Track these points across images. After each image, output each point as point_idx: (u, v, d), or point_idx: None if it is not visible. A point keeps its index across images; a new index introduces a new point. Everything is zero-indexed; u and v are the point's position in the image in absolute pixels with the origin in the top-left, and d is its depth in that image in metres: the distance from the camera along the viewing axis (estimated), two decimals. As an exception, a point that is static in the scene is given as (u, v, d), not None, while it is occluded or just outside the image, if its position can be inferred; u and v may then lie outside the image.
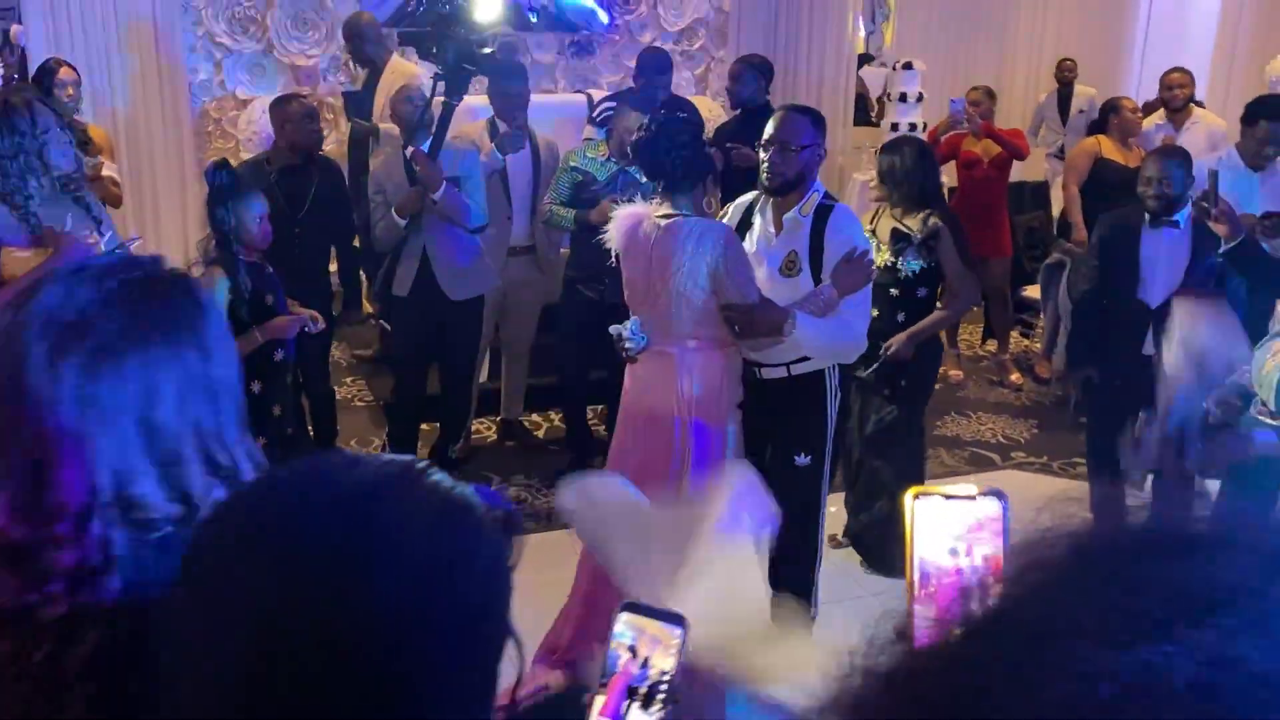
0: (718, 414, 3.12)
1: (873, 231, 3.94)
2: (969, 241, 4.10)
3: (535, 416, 5.61)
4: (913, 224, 3.92)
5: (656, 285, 3.05)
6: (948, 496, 0.91)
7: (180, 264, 3.28)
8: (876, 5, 11.20)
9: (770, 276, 3.19)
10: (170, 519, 1.01)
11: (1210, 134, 6.09)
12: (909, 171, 3.97)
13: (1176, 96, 6.26)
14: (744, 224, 3.33)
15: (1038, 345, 6.55)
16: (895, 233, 3.90)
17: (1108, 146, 6.05)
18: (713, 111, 6.80)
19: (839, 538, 4.28)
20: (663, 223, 3.06)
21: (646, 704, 0.95)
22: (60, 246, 2.99)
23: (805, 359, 3.20)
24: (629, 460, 3.17)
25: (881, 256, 3.88)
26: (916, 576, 0.89)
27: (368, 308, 6.13)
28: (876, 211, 4.09)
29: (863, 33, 12.21)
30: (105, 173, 5.04)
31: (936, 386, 6.06)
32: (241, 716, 0.70)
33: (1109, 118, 6.14)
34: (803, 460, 3.26)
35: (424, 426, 4.93)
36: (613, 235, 3.15)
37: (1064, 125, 7.92)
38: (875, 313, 3.77)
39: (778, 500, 3.57)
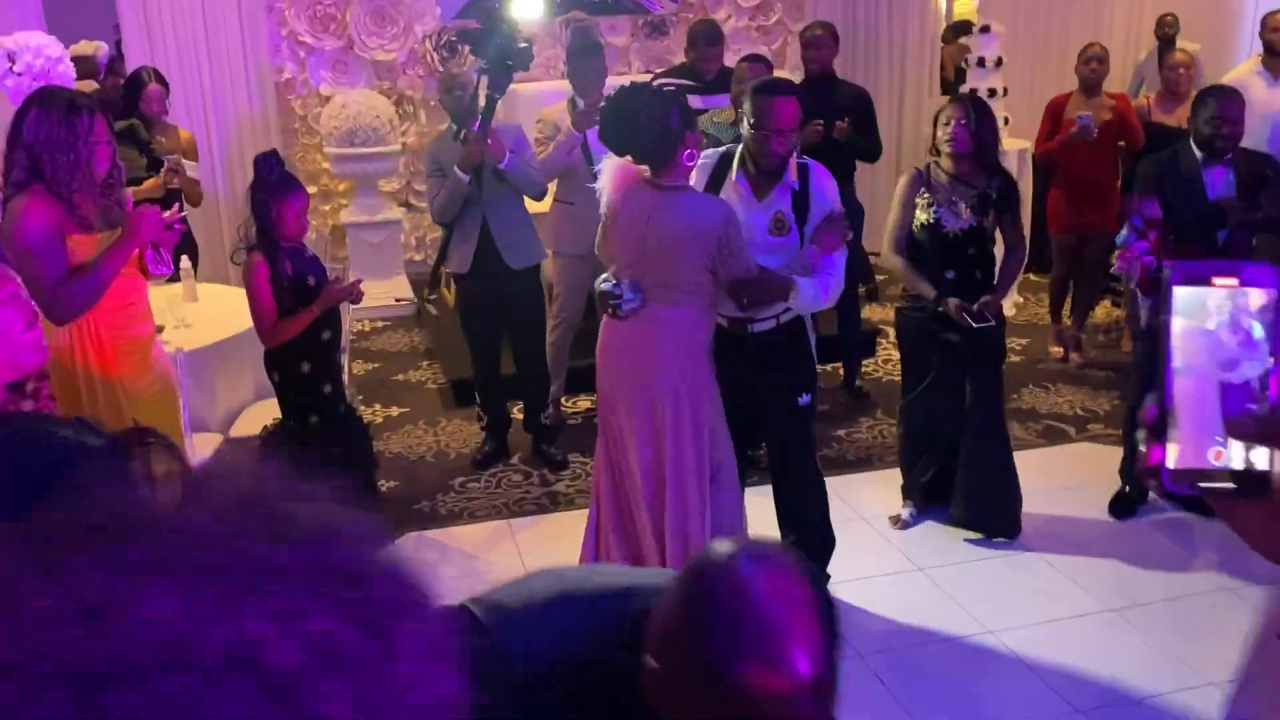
0: (705, 373, 3.15)
1: (927, 185, 3.88)
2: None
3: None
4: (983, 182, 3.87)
5: (652, 256, 3.05)
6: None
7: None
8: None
9: (760, 235, 3.20)
10: None
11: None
12: (989, 133, 3.88)
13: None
14: (716, 177, 3.31)
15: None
16: (983, 195, 3.82)
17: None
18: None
19: (902, 517, 4.24)
20: (657, 192, 3.04)
21: None
22: (130, 223, 3.13)
23: (788, 308, 3.30)
24: (618, 416, 3.19)
25: (923, 213, 3.86)
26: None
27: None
28: (928, 165, 3.94)
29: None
30: (189, 174, 5.29)
31: (1019, 359, 5.87)
32: None
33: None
34: (805, 400, 3.46)
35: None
36: (605, 186, 3.12)
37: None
38: (951, 274, 3.84)
39: (789, 439, 3.60)
